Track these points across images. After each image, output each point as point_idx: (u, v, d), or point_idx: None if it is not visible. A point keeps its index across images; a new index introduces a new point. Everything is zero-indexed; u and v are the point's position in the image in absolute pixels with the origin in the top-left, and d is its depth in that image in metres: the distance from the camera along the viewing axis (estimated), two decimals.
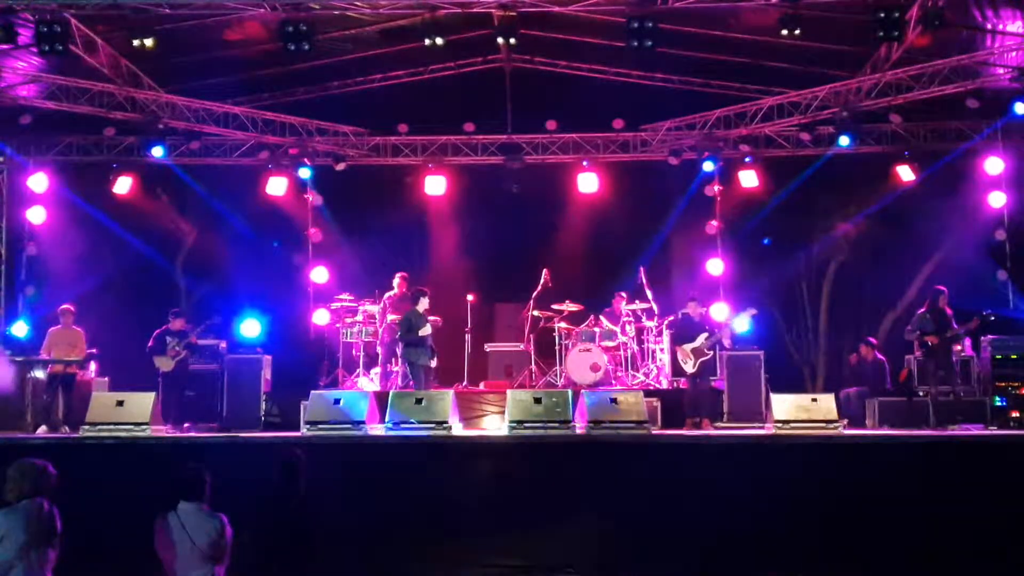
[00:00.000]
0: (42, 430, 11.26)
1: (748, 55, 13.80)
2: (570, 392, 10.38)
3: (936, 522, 8.56)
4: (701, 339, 11.98)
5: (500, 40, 11.99)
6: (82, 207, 15.18)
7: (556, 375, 13.47)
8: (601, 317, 13.72)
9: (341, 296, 13.94)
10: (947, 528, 8.54)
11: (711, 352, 12.04)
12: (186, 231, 16.04)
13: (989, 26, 12.29)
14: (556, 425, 9.75)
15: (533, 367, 13.55)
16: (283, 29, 11.31)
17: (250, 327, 13.06)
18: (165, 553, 6.15)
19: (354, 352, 13.63)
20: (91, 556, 8.31)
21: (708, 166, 15.17)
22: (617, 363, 13.51)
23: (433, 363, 11.78)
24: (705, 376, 12.07)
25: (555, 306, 13.71)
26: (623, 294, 13.93)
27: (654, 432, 10.39)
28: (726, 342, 12.69)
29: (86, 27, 12.24)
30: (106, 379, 12.73)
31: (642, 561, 8.64)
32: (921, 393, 12.00)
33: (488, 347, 14.16)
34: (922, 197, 14.58)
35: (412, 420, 9.89)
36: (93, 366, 12.79)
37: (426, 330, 11.64)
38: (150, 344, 11.90)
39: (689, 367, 11.99)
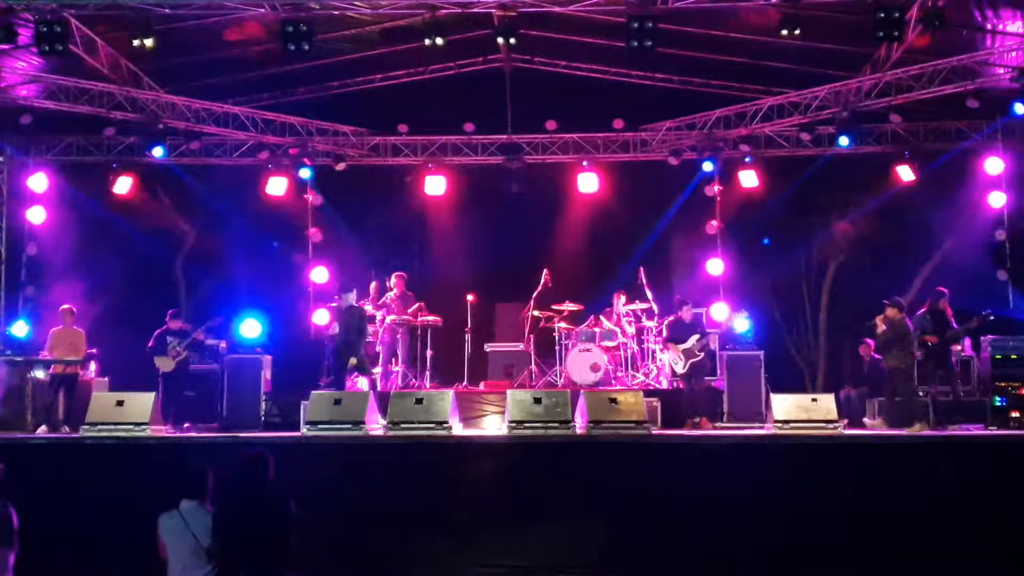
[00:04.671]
0: (42, 430, 11.27)
1: (748, 55, 13.80)
2: (570, 392, 10.39)
3: (936, 522, 8.56)
4: (692, 340, 12.00)
5: (500, 40, 12.00)
6: (82, 207, 15.18)
7: (556, 375, 13.47)
8: (601, 317, 13.73)
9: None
10: (947, 528, 8.55)
11: (702, 354, 12.04)
12: (186, 231, 16.04)
13: (989, 26, 12.29)
14: (556, 425, 9.74)
15: (533, 367, 13.55)
16: (283, 29, 11.31)
17: (250, 327, 13.06)
18: (167, 552, 6.15)
19: None
20: (91, 556, 8.35)
21: (708, 166, 15.16)
22: (617, 363, 13.50)
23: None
24: (699, 376, 12.08)
25: (555, 306, 13.71)
26: (622, 294, 13.94)
27: (654, 432, 10.38)
28: (712, 345, 12.69)
29: (86, 27, 12.25)
30: (106, 379, 12.75)
31: (642, 561, 8.64)
32: (921, 393, 12.00)
33: (488, 347, 14.16)
34: (922, 197, 14.58)
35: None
36: (93, 366, 12.81)
37: None
38: (150, 344, 11.90)
39: (680, 368, 12.04)
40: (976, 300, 12.66)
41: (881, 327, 11.29)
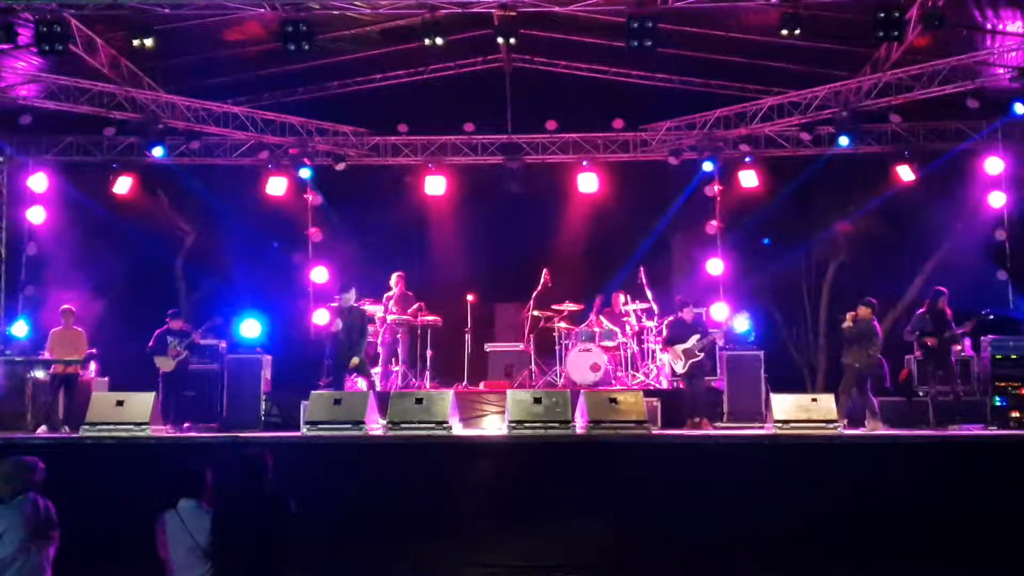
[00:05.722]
0: (42, 430, 11.29)
1: (748, 55, 13.79)
2: (570, 392, 10.39)
3: (936, 522, 8.56)
4: (693, 340, 12.00)
5: (500, 40, 11.99)
6: (82, 207, 15.18)
7: (556, 375, 13.47)
8: (601, 317, 13.73)
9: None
10: (947, 528, 8.55)
11: (702, 354, 12.04)
12: (186, 231, 16.03)
13: (989, 26, 12.29)
14: (556, 425, 9.74)
15: (533, 367, 13.55)
16: (283, 29, 11.31)
17: (250, 327, 13.05)
18: (166, 552, 6.15)
19: None
20: (91, 556, 8.33)
21: (708, 166, 15.16)
22: (617, 363, 13.50)
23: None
24: (699, 376, 12.07)
25: (555, 306, 13.71)
26: (621, 294, 13.94)
27: (654, 432, 10.38)
28: (719, 342, 12.69)
29: (86, 27, 12.25)
30: (106, 379, 12.75)
31: (642, 561, 8.64)
32: (921, 393, 12.00)
33: (488, 347, 14.17)
34: (922, 197, 14.59)
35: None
36: (93, 366, 12.80)
37: None
38: (151, 344, 11.90)
39: (679, 367, 12.04)
40: (976, 300, 12.66)
41: (849, 323, 11.30)
